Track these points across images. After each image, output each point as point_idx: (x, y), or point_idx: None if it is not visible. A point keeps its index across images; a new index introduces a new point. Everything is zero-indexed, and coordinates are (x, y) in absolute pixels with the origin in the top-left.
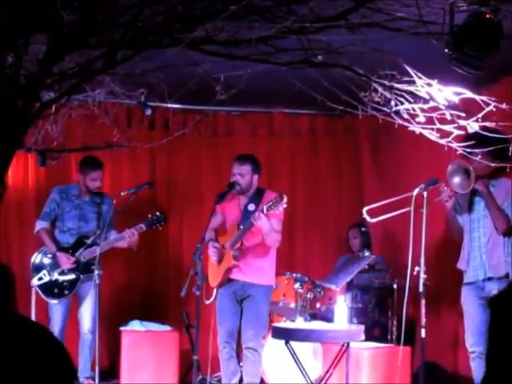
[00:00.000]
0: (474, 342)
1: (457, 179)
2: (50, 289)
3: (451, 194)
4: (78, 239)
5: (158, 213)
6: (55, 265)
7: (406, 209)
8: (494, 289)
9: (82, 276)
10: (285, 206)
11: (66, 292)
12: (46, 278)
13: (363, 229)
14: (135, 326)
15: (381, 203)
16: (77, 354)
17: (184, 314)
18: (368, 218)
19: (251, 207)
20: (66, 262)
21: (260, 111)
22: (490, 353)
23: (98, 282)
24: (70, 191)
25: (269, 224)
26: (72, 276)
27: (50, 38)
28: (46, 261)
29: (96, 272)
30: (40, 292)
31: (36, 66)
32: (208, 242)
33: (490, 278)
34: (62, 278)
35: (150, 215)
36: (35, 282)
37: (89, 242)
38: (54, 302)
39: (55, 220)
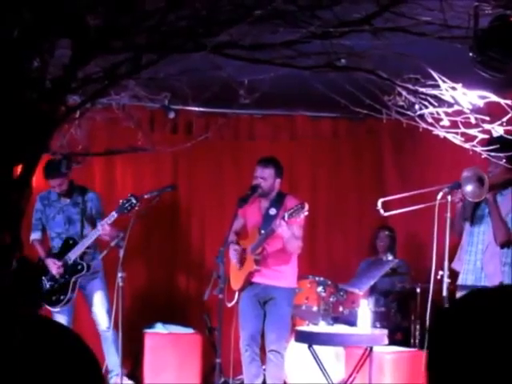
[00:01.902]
0: None
1: (469, 187)
2: (48, 298)
3: (462, 197)
4: (63, 242)
5: (130, 196)
6: (47, 273)
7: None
8: None
9: (72, 279)
10: (306, 213)
11: (62, 297)
12: (44, 288)
13: (387, 232)
14: (158, 328)
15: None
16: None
17: (206, 317)
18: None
19: (272, 211)
20: (53, 266)
21: (282, 114)
22: None
23: (121, 284)
24: (50, 197)
25: (290, 231)
26: (61, 280)
27: (74, 43)
28: (41, 272)
29: (120, 274)
30: (43, 303)
31: (61, 70)
32: (229, 245)
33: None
34: (54, 284)
35: (122, 200)
36: None
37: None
38: (56, 309)
39: (44, 228)
